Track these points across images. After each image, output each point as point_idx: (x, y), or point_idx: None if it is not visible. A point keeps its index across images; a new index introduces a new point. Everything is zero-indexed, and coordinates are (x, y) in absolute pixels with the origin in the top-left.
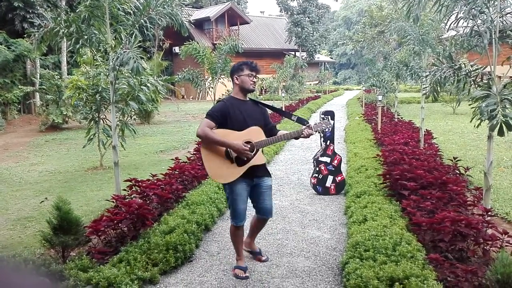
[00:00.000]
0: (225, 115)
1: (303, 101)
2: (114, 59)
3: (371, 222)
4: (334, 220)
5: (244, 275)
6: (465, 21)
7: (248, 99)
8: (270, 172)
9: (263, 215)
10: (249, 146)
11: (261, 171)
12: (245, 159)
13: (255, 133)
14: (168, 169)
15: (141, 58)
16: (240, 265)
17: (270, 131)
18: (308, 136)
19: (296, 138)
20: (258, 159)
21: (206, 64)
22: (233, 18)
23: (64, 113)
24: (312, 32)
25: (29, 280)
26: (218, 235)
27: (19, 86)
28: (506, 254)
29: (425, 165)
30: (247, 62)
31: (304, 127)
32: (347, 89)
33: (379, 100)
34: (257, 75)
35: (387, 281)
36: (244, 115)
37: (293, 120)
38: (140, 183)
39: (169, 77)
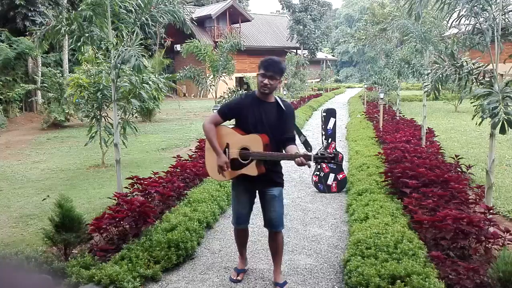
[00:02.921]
0: (236, 112)
1: (305, 99)
2: (116, 57)
3: (373, 220)
4: (336, 218)
5: (235, 278)
6: (467, 19)
7: (274, 99)
8: (283, 180)
9: (266, 227)
10: (229, 158)
11: (261, 181)
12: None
13: (256, 142)
14: (170, 167)
15: (143, 56)
16: (238, 266)
17: (283, 142)
18: (300, 165)
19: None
20: (250, 170)
21: (208, 62)
22: (235, 15)
23: (66, 111)
24: (313, 29)
25: (32, 278)
26: (219, 233)
27: (21, 84)
28: (508, 252)
29: (427, 163)
30: (266, 60)
31: (302, 152)
32: (348, 87)
33: (381, 98)
34: (275, 76)
35: (389, 279)
36: (258, 117)
37: (300, 141)
38: (142, 181)
39: (170, 75)
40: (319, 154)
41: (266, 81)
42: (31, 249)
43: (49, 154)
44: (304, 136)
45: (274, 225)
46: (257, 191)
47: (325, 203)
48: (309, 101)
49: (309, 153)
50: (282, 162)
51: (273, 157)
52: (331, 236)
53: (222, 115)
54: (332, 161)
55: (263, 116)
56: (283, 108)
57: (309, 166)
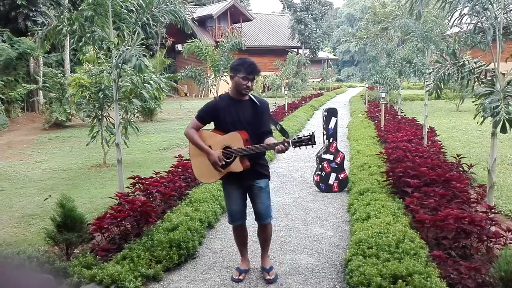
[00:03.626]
0: (213, 115)
1: (306, 98)
2: (117, 57)
3: (374, 220)
4: (337, 218)
5: (236, 278)
6: (469, 18)
7: (247, 97)
8: (269, 172)
9: (256, 220)
10: (223, 160)
11: (248, 175)
12: (219, 168)
13: (236, 139)
14: (171, 167)
15: (144, 55)
16: (239, 266)
17: (261, 136)
18: (280, 151)
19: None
20: (235, 167)
21: (209, 61)
22: (236, 15)
23: (68, 111)
24: (315, 29)
25: (33, 277)
26: (221, 232)
27: (23, 84)
28: (510, 252)
29: (429, 162)
30: (245, 63)
31: (281, 140)
32: (350, 86)
33: (382, 97)
34: (255, 78)
35: (390, 278)
36: (235, 116)
37: (277, 129)
38: (143, 181)
39: (171, 74)
40: (296, 139)
41: (249, 84)
42: (33, 249)
43: (51, 154)
44: (280, 125)
45: (261, 217)
46: (246, 186)
47: (326, 202)
48: (310, 101)
49: (287, 140)
50: (283, 164)
51: (254, 149)
52: (332, 236)
53: (200, 120)
54: (310, 143)
55: (240, 114)
56: (258, 103)
57: (287, 149)
